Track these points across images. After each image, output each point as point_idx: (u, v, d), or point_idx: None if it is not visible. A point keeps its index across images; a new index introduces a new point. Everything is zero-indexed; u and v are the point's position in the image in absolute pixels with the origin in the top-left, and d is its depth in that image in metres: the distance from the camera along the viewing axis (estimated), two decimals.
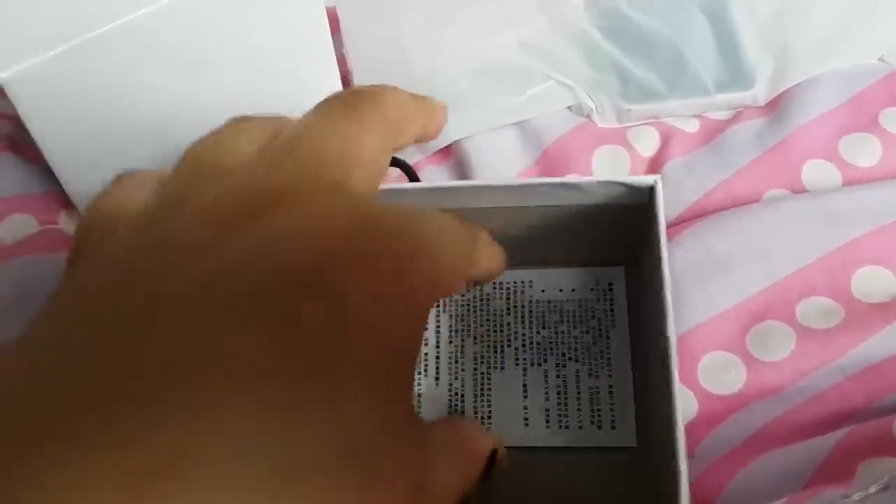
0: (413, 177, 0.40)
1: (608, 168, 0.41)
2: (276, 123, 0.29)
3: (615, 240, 0.35)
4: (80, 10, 0.34)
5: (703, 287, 0.36)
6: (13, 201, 0.42)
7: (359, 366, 0.22)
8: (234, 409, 0.18)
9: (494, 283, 0.37)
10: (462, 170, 0.42)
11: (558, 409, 0.35)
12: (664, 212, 0.39)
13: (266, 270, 0.22)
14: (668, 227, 0.39)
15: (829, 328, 0.35)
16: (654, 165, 0.41)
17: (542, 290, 0.37)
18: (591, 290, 0.37)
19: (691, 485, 0.34)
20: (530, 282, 0.37)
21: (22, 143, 0.44)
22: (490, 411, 0.36)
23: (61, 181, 0.38)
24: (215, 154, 0.28)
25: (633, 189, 0.32)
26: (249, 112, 0.34)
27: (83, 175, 0.38)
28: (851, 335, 0.35)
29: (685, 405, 0.35)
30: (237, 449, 0.18)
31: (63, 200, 0.42)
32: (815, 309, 0.36)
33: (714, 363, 0.35)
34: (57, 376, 0.20)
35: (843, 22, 0.43)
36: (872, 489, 0.29)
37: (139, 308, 0.22)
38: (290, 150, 0.26)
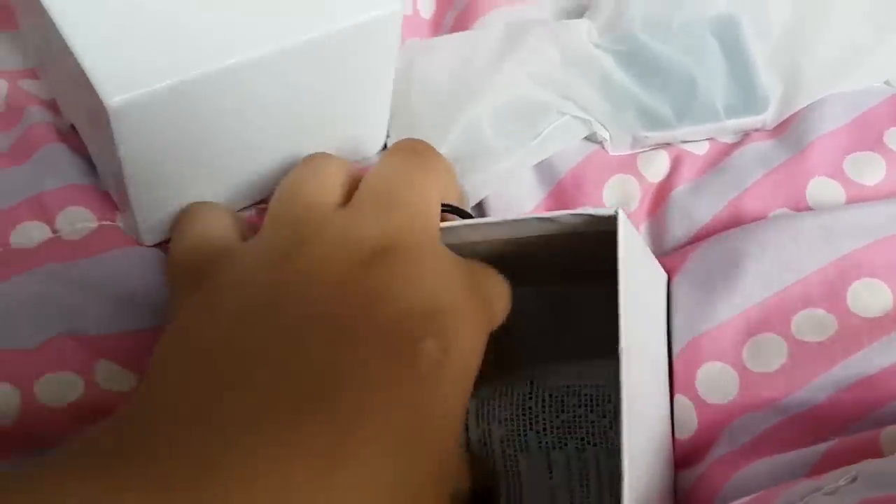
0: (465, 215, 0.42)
1: (618, 199, 0.43)
2: (346, 164, 0.39)
3: (604, 265, 0.38)
4: (186, 50, 0.36)
5: (707, 301, 0.39)
6: (67, 192, 0.42)
7: (447, 402, 0.29)
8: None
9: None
10: (480, 205, 0.44)
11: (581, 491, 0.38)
12: (672, 233, 0.42)
13: (393, 311, 0.30)
14: (682, 245, 0.42)
15: (822, 341, 0.37)
16: (662, 191, 0.43)
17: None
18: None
19: (689, 487, 0.37)
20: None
21: (68, 134, 0.44)
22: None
23: (131, 198, 0.39)
24: (315, 191, 0.37)
25: (599, 220, 0.35)
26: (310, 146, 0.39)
27: (153, 195, 0.40)
28: (844, 349, 0.37)
29: (684, 417, 0.38)
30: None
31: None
32: (810, 321, 0.38)
33: (711, 374, 0.38)
34: (239, 378, 0.30)
35: (851, 46, 0.45)
36: (842, 482, 0.31)
37: (290, 330, 0.31)
38: (390, 205, 0.35)
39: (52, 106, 0.46)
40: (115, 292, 0.40)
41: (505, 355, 0.40)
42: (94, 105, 0.35)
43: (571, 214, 0.35)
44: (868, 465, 0.31)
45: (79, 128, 0.44)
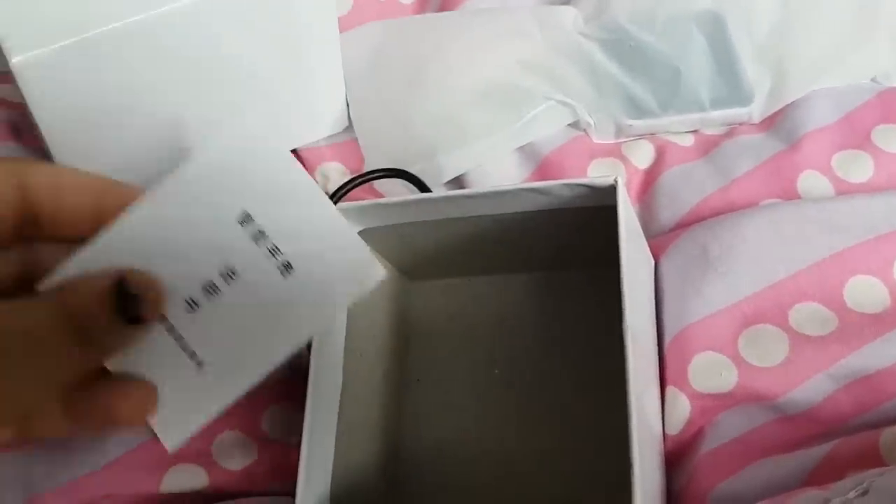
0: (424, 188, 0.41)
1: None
2: None
3: (596, 243, 0.35)
4: (95, 5, 0.35)
5: (697, 287, 0.37)
6: None
7: None
8: None
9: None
10: (460, 182, 0.42)
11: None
12: (659, 217, 0.40)
13: None
14: (668, 232, 0.40)
15: (824, 336, 0.35)
16: (650, 177, 0.42)
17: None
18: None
19: (680, 487, 0.34)
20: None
21: (23, 132, 0.43)
22: None
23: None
24: None
25: (596, 190, 0.32)
26: (252, 118, 0.35)
27: (81, 165, 0.38)
28: (845, 344, 0.35)
29: (677, 406, 0.35)
30: None
31: None
32: (809, 315, 0.36)
33: (705, 364, 0.35)
34: None
35: (838, 43, 0.44)
36: (852, 494, 0.29)
37: None
38: None
39: (14, 106, 0.44)
40: None
41: (495, 344, 0.38)
42: (9, 68, 0.34)
43: (565, 185, 0.33)
44: (881, 479, 0.29)
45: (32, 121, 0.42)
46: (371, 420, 0.37)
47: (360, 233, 0.36)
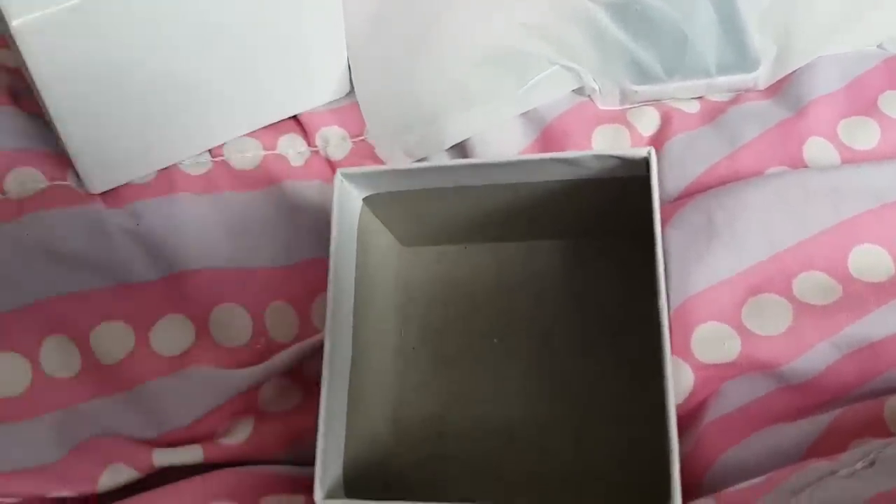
0: None
1: (608, 146, 0.41)
2: None
3: (619, 212, 0.35)
4: None
5: (702, 256, 0.36)
6: (17, 155, 0.40)
7: None
8: None
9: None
10: (462, 148, 0.42)
11: None
12: (664, 185, 0.40)
13: None
14: (673, 200, 0.40)
15: (827, 304, 0.35)
16: (655, 144, 0.41)
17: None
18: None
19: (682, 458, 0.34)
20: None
21: (22, 97, 0.42)
22: None
23: (61, 135, 0.38)
24: None
25: (627, 162, 0.32)
26: (252, 82, 0.35)
27: (83, 131, 0.38)
28: (849, 312, 0.35)
29: (681, 376, 0.35)
30: None
31: (69, 158, 0.40)
32: (813, 284, 0.36)
33: (708, 334, 0.35)
34: None
35: (844, 10, 0.44)
36: (859, 465, 0.29)
37: None
38: None
39: (12, 71, 0.43)
40: (56, 251, 0.38)
41: (495, 313, 0.37)
42: (9, 33, 0.34)
43: (595, 156, 0.32)
44: (887, 450, 0.29)
45: (31, 84, 0.41)
46: (376, 388, 0.36)
47: (364, 199, 0.36)
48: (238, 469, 0.36)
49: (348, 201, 0.35)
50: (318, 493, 0.31)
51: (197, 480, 0.35)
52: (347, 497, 0.32)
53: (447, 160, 0.35)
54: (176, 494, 0.34)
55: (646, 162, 0.32)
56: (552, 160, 0.33)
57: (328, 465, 0.32)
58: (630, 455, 0.34)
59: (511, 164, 0.33)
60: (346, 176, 0.35)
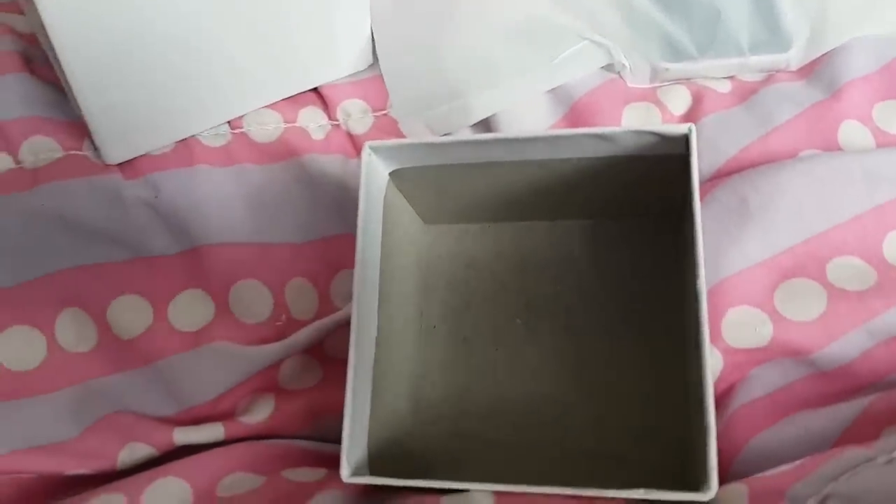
0: None
1: (639, 123, 0.40)
2: None
3: (650, 191, 0.34)
4: None
5: (735, 239, 0.36)
6: (32, 123, 0.40)
7: None
8: None
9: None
10: (487, 124, 0.41)
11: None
12: (699, 164, 0.39)
13: None
14: (705, 181, 0.39)
15: (862, 291, 0.35)
16: (687, 122, 0.40)
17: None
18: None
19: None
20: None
21: (36, 64, 0.42)
22: None
23: (79, 102, 0.37)
24: None
25: (666, 139, 0.31)
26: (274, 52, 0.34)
27: (102, 98, 0.37)
28: (883, 299, 0.34)
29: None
30: None
31: (85, 128, 0.40)
32: (848, 270, 0.35)
33: (741, 318, 0.34)
34: None
35: None
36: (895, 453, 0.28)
37: None
38: None
39: (29, 38, 0.42)
40: (71, 222, 0.37)
41: (518, 292, 0.37)
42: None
43: (633, 132, 0.31)
44: None
45: (48, 51, 0.40)
46: (398, 367, 0.36)
47: (391, 173, 0.35)
48: (260, 442, 0.35)
49: (375, 176, 0.34)
50: (345, 471, 0.30)
51: (218, 451, 0.34)
52: (371, 475, 0.31)
53: (482, 135, 0.34)
54: (197, 466, 0.34)
55: (685, 139, 0.31)
56: (587, 136, 0.32)
57: (354, 444, 0.31)
58: (651, 436, 0.34)
59: (544, 139, 0.32)
60: (373, 149, 0.34)
